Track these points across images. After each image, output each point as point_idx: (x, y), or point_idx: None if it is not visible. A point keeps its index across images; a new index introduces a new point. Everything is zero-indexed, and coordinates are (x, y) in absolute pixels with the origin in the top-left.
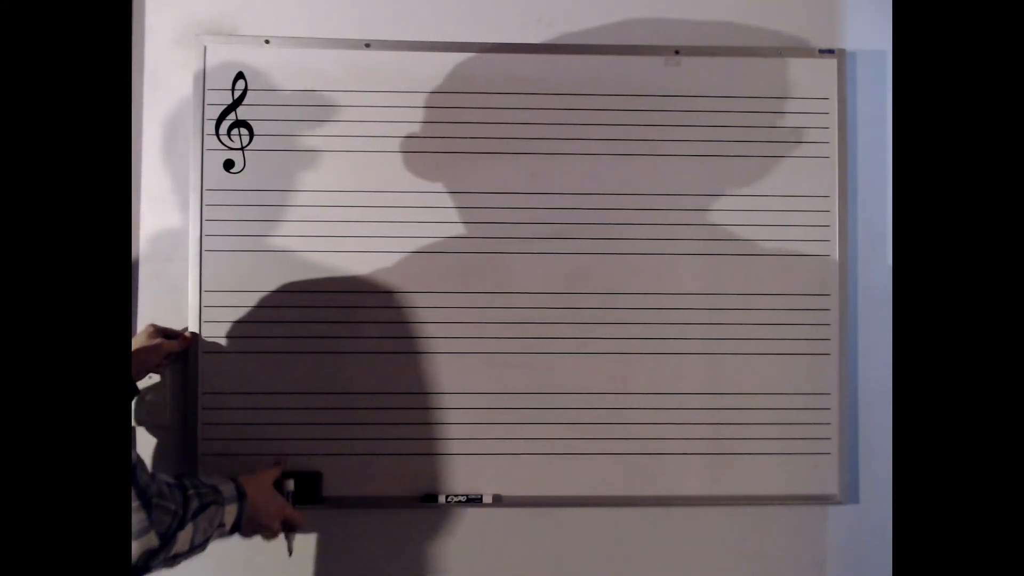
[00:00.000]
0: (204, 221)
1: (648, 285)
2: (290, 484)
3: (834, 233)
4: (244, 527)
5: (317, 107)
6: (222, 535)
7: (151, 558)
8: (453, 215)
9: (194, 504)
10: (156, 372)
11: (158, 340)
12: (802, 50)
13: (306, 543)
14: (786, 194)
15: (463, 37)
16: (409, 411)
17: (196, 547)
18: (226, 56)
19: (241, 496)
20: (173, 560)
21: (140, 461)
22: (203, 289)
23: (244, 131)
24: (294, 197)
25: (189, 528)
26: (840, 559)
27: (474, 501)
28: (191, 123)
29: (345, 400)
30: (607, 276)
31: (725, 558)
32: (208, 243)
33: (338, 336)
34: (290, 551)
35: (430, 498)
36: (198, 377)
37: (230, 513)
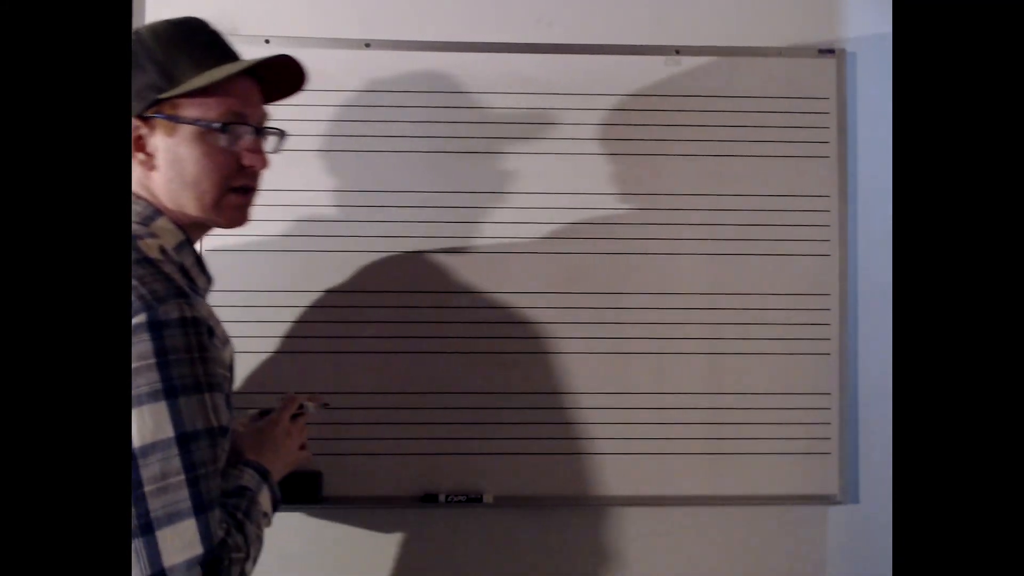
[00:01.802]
0: None
1: (648, 285)
2: (310, 408)
3: (834, 233)
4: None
5: (317, 107)
6: (268, 523)
7: None
8: (453, 215)
9: (250, 528)
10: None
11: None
12: (802, 50)
13: (306, 543)
14: (786, 194)
15: (463, 37)
16: (409, 411)
17: (258, 556)
18: None
19: (264, 475)
20: None
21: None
22: None
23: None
24: (294, 197)
25: (253, 550)
26: (840, 559)
27: (474, 501)
28: None
29: (345, 400)
30: (607, 276)
31: (725, 558)
32: (207, 243)
33: (338, 336)
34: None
35: (430, 498)
36: None
37: (265, 500)
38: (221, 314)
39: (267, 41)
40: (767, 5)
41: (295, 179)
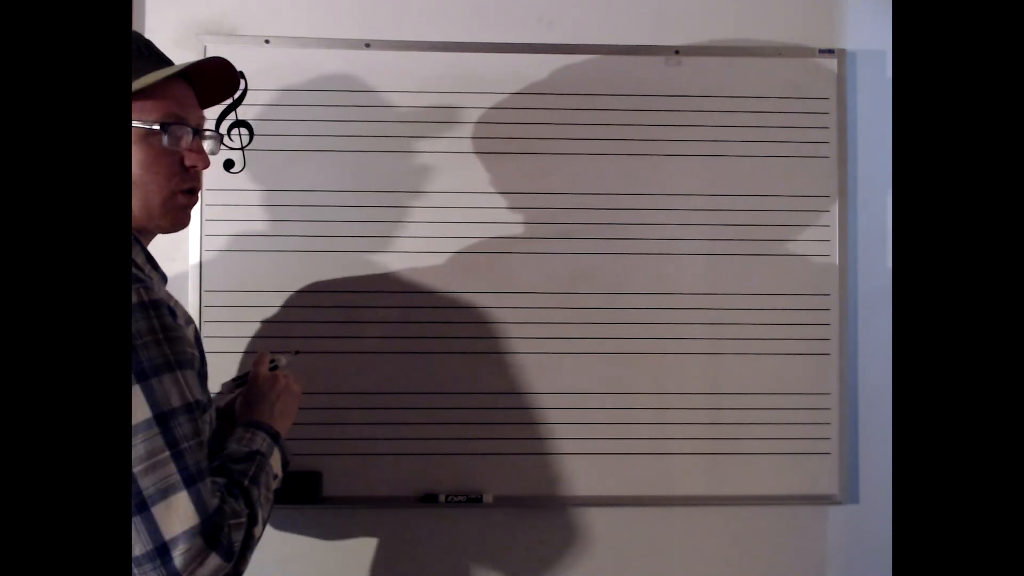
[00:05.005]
0: (204, 221)
1: (649, 285)
2: (282, 360)
3: (834, 233)
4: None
5: (317, 107)
6: (279, 483)
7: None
8: (454, 215)
9: (255, 492)
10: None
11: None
12: (802, 50)
13: (306, 543)
14: (786, 194)
15: (463, 37)
16: (409, 411)
17: (268, 517)
18: (226, 56)
19: (275, 438)
20: (256, 543)
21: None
22: (203, 289)
23: (244, 131)
24: (294, 197)
25: (260, 514)
26: (840, 559)
27: (474, 501)
28: None
29: (345, 400)
30: (608, 276)
31: (725, 558)
32: (208, 243)
33: (338, 336)
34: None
35: (430, 498)
36: None
37: (276, 462)
38: (222, 314)
39: (267, 41)
40: (767, 5)
41: (295, 179)
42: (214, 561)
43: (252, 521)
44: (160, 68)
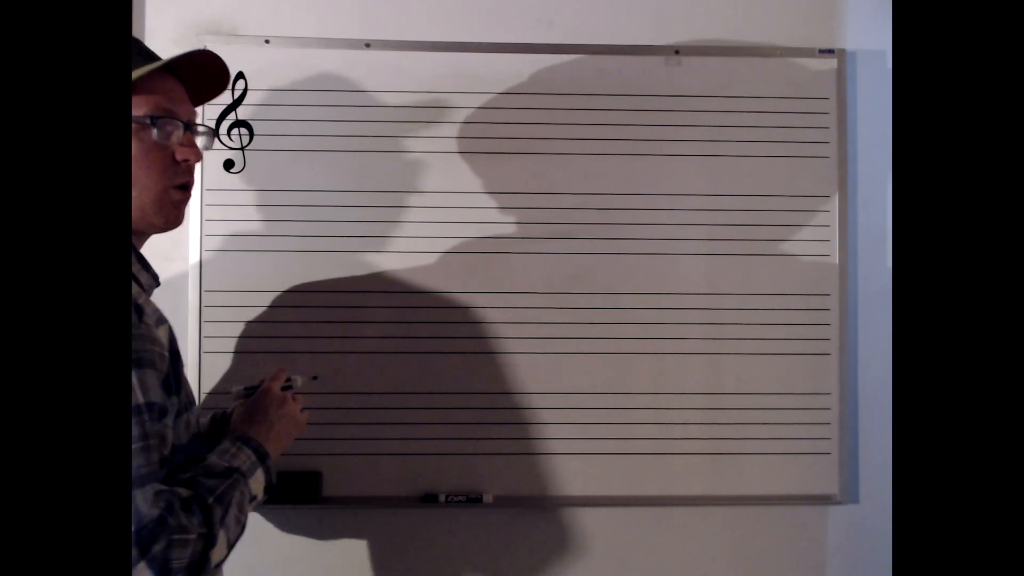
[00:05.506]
0: (204, 221)
1: (649, 285)
2: (298, 381)
3: (834, 233)
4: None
5: (317, 107)
6: (258, 505)
7: None
8: (453, 215)
9: (218, 512)
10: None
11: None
12: (802, 50)
13: (306, 543)
14: (786, 194)
15: (463, 37)
16: (409, 411)
17: (236, 540)
18: (226, 56)
19: (263, 458)
20: (217, 569)
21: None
22: (203, 289)
23: (244, 131)
24: (294, 197)
25: (221, 535)
26: (840, 559)
27: (474, 501)
28: None
29: (345, 400)
30: (608, 276)
31: (725, 558)
32: (208, 243)
33: (337, 336)
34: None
35: (430, 498)
36: (199, 377)
37: (257, 483)
38: (222, 314)
39: (267, 41)
40: (767, 5)
41: (295, 179)
42: (144, 575)
43: (208, 542)
44: (148, 64)
